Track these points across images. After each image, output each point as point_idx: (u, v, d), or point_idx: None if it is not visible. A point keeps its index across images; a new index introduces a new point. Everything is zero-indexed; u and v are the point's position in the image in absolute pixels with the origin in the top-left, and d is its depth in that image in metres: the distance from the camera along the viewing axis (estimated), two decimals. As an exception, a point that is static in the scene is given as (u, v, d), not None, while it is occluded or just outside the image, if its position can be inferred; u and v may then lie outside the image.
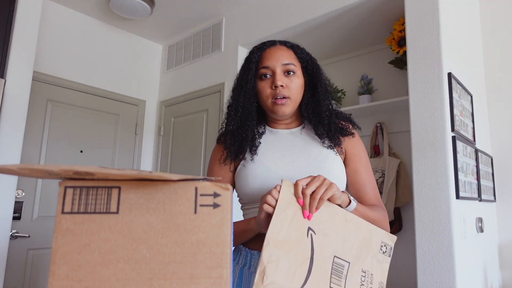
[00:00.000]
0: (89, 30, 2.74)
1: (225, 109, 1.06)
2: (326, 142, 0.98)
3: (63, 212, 0.45)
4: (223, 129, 1.05)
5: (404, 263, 2.09)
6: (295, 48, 1.00)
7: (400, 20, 1.99)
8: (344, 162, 1.01)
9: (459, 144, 1.61)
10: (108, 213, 0.46)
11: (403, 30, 1.97)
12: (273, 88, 0.94)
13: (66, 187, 0.46)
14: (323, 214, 0.76)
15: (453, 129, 1.57)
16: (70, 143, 2.57)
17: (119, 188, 0.47)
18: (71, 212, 0.45)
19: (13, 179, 1.81)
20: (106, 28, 2.85)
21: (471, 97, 1.89)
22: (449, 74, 1.59)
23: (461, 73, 1.78)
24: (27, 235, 2.25)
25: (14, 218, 2.22)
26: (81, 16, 2.70)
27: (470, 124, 1.84)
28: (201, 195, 0.48)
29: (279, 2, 2.32)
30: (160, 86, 3.19)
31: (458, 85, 1.69)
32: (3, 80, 1.73)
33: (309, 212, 0.74)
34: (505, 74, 2.19)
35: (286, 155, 0.97)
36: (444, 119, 1.54)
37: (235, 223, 0.93)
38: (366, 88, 2.26)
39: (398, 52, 2.03)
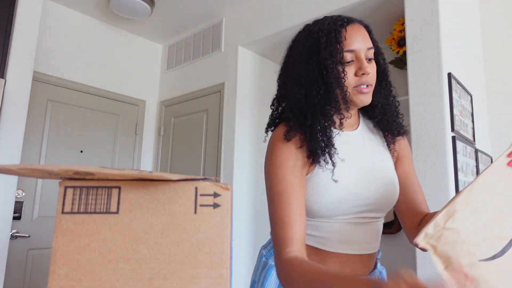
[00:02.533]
0: (89, 30, 2.74)
1: (299, 95, 0.84)
2: (384, 140, 0.91)
3: (63, 212, 0.45)
4: (290, 121, 0.84)
5: (404, 263, 2.08)
6: (369, 28, 0.87)
7: (400, 20, 1.99)
8: (395, 163, 0.94)
9: (459, 144, 1.61)
10: (108, 213, 0.46)
11: (403, 30, 1.97)
12: (360, 75, 0.81)
13: (66, 187, 0.46)
14: None
15: (453, 129, 1.57)
16: (70, 143, 2.57)
17: (119, 188, 0.47)
18: (71, 212, 0.45)
19: (13, 179, 1.81)
20: (106, 28, 2.85)
21: (471, 97, 1.89)
22: (449, 74, 1.59)
23: (461, 73, 1.78)
24: (27, 235, 2.25)
25: (14, 218, 2.22)
26: (81, 16, 2.70)
27: (470, 124, 1.84)
28: (201, 195, 0.48)
29: (279, 2, 2.32)
30: (160, 86, 3.19)
31: (458, 85, 1.69)
32: (3, 80, 1.73)
33: None
34: (505, 74, 2.19)
35: (363, 168, 0.85)
36: (444, 119, 1.54)
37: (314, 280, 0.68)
38: (366, 88, 2.26)
39: (398, 52, 2.03)
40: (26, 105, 1.86)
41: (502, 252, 0.62)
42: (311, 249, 0.84)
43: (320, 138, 0.81)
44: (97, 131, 2.73)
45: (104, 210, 0.46)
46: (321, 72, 0.81)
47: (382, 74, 0.90)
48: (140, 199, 0.47)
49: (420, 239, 0.60)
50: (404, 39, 1.95)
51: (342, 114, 0.85)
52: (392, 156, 0.92)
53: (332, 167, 0.81)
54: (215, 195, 0.48)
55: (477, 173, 1.84)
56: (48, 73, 2.50)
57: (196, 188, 0.48)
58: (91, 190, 0.46)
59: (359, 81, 0.81)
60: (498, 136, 2.19)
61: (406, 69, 1.83)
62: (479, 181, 0.64)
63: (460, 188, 1.55)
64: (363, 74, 0.80)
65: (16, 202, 2.25)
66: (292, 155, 0.81)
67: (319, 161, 0.81)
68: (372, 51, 0.84)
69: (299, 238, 0.76)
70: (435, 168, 1.53)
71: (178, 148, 2.90)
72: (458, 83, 1.69)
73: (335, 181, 0.80)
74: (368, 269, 0.86)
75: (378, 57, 0.89)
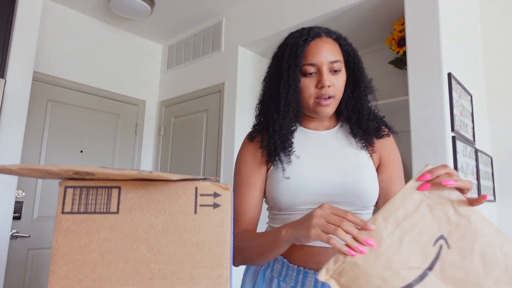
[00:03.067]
0: (89, 30, 2.74)
1: (259, 103, 0.97)
2: (360, 143, 0.94)
3: (63, 212, 0.45)
4: (257, 125, 0.97)
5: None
6: (341, 40, 0.91)
7: (400, 20, 1.99)
8: (379, 167, 0.95)
9: (459, 144, 1.61)
10: (108, 213, 0.46)
11: (403, 30, 1.97)
12: (319, 87, 0.87)
13: (66, 187, 0.46)
14: (463, 223, 0.59)
15: (453, 129, 1.57)
16: (70, 143, 2.57)
17: (119, 188, 0.47)
18: (71, 212, 0.45)
19: (13, 179, 1.81)
20: (106, 28, 2.85)
21: (471, 97, 1.89)
22: (449, 74, 1.59)
23: (461, 73, 1.78)
24: (27, 235, 2.25)
25: (14, 218, 2.22)
26: (81, 16, 2.70)
27: (470, 124, 1.84)
28: (201, 195, 0.48)
29: (279, 2, 2.32)
30: (160, 86, 3.19)
31: (458, 85, 1.69)
32: (3, 80, 1.73)
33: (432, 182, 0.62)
34: (505, 74, 2.19)
35: (321, 163, 0.90)
36: (444, 119, 1.54)
37: (254, 239, 0.83)
38: (366, 88, 2.26)
39: (398, 52, 2.03)
40: (26, 105, 1.86)
41: (409, 286, 0.57)
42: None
43: (276, 141, 0.89)
44: (97, 131, 2.73)
45: (104, 210, 0.46)
46: (278, 83, 0.89)
47: (355, 83, 0.93)
48: (140, 199, 0.47)
49: (322, 275, 0.59)
50: (404, 39, 1.95)
51: (302, 119, 0.95)
52: (371, 156, 0.94)
53: (283, 166, 0.89)
54: (215, 195, 0.48)
55: (477, 173, 1.84)
56: (48, 73, 2.50)
57: (196, 188, 0.48)
58: (91, 190, 0.46)
59: (319, 93, 0.87)
60: (498, 136, 2.19)
61: (406, 69, 1.83)
62: (386, 208, 0.61)
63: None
64: (322, 86, 0.86)
65: (16, 202, 2.25)
66: (251, 154, 0.94)
67: (274, 161, 0.90)
68: (339, 64, 0.88)
69: (248, 223, 0.90)
70: (435, 168, 1.52)
71: (178, 148, 2.90)
72: (458, 83, 1.69)
73: (287, 178, 0.88)
74: None
75: (353, 67, 0.92)
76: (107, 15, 2.73)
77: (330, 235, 0.62)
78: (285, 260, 0.89)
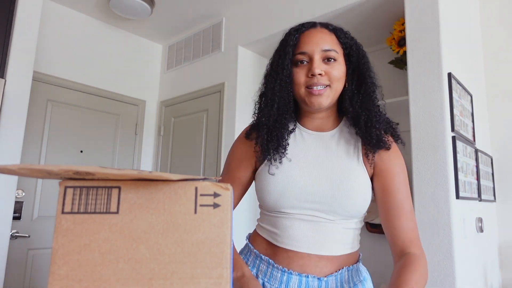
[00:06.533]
0: (89, 30, 2.74)
1: (256, 99, 0.94)
2: (357, 150, 0.87)
3: (63, 212, 0.45)
4: (255, 121, 0.93)
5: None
6: (338, 32, 0.86)
7: (400, 20, 1.99)
8: (373, 177, 0.87)
9: (459, 144, 1.61)
10: (108, 213, 0.46)
11: (403, 30, 1.97)
12: (310, 76, 0.82)
13: (66, 187, 0.46)
14: None
15: (453, 129, 1.57)
16: (70, 143, 2.57)
17: (119, 188, 0.47)
18: (71, 212, 0.45)
19: (13, 179, 1.81)
20: (106, 28, 2.85)
21: (471, 97, 1.89)
22: (449, 74, 1.59)
23: (461, 73, 1.78)
24: (27, 235, 2.25)
25: (14, 218, 2.22)
26: (81, 16, 2.70)
27: (470, 124, 1.84)
28: (201, 195, 0.48)
29: (279, 2, 2.32)
30: (160, 86, 3.19)
31: (458, 85, 1.69)
32: (3, 80, 1.73)
33: None
34: (505, 74, 2.19)
35: (311, 169, 0.86)
36: (444, 119, 1.54)
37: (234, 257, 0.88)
38: (366, 88, 2.26)
39: (398, 52, 2.03)
40: (26, 105, 1.86)
41: None
42: (266, 243, 0.90)
43: (271, 139, 0.86)
44: (97, 131, 2.73)
45: (104, 210, 0.46)
46: (272, 73, 0.87)
47: (360, 78, 0.86)
48: (140, 199, 0.47)
49: None
50: (404, 39, 1.95)
51: (302, 118, 0.92)
52: (368, 165, 0.87)
53: (276, 164, 0.87)
54: (215, 195, 0.48)
55: (477, 173, 1.84)
56: (48, 73, 2.50)
57: (196, 188, 0.48)
58: (91, 190, 0.46)
59: (310, 82, 0.83)
60: (498, 136, 2.19)
61: (406, 69, 1.83)
62: None
63: (460, 187, 1.55)
64: (312, 75, 0.82)
65: (16, 202, 2.24)
66: (244, 149, 0.93)
67: (266, 158, 0.87)
68: (333, 53, 0.83)
69: None
70: (435, 168, 1.53)
71: (178, 148, 2.90)
72: (458, 83, 1.69)
73: (274, 175, 0.85)
74: (319, 269, 0.84)
75: (357, 61, 0.87)
76: (107, 15, 2.73)
77: None
78: (270, 260, 0.88)
